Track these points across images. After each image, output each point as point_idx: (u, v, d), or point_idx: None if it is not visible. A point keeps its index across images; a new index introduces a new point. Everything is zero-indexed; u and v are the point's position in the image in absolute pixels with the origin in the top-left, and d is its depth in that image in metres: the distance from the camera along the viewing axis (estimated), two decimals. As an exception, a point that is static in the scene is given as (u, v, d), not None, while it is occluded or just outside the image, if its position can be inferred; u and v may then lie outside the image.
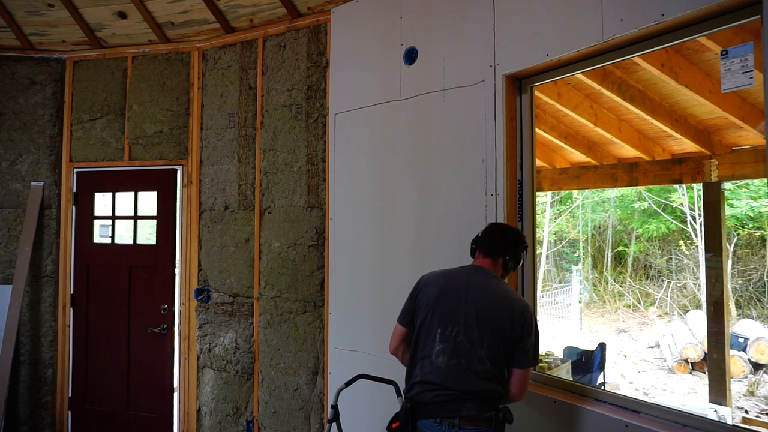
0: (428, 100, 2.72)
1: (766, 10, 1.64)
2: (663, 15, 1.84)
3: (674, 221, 11.93)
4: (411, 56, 2.83)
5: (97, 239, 4.06)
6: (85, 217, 4.01)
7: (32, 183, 3.94)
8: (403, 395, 2.03)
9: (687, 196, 11.38)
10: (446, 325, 1.93)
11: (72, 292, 3.96)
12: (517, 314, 1.87)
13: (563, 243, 14.42)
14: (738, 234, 10.77)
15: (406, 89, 2.84)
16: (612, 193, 12.82)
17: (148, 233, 4.93)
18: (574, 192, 13.00)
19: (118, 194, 4.03)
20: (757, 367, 7.60)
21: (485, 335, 1.87)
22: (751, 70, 1.74)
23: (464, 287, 1.95)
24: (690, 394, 7.29)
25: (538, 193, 7.02)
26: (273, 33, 3.54)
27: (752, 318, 9.67)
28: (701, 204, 8.31)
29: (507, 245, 2.04)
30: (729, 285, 9.31)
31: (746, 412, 6.48)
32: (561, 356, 5.06)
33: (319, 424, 3.24)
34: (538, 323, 1.95)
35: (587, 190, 12.28)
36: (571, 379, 4.20)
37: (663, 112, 4.28)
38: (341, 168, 3.17)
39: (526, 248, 2.10)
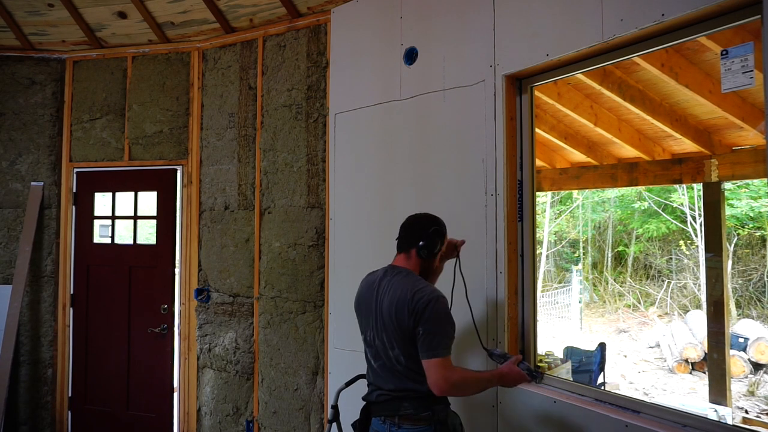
0: (428, 100, 2.72)
1: (766, 10, 1.64)
2: (663, 15, 1.84)
3: (674, 221, 11.94)
4: (411, 56, 2.83)
5: (97, 239, 4.07)
6: (85, 217, 4.01)
7: (32, 183, 3.94)
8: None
9: (687, 196, 11.39)
10: (366, 331, 1.98)
11: (72, 292, 3.96)
12: (411, 304, 1.80)
13: (563, 243, 14.42)
14: (738, 234, 10.78)
15: (406, 89, 2.84)
16: (612, 193, 12.82)
17: (148, 233, 4.93)
18: (574, 192, 13.01)
19: (118, 194, 4.03)
20: (757, 367, 7.60)
21: (393, 334, 1.86)
22: (751, 70, 1.73)
23: (376, 290, 1.96)
24: (690, 394, 7.29)
25: (538, 193, 7.02)
26: (273, 33, 3.54)
27: (752, 318, 9.67)
28: (701, 204, 8.32)
29: (415, 233, 1.97)
30: (729, 285, 9.30)
31: (746, 412, 6.48)
32: (561, 356, 5.05)
33: (319, 424, 3.24)
34: (441, 309, 1.79)
35: (587, 190, 12.28)
36: (571, 379, 4.19)
37: (663, 112, 4.28)
38: (341, 168, 3.16)
39: (440, 232, 1.98)
